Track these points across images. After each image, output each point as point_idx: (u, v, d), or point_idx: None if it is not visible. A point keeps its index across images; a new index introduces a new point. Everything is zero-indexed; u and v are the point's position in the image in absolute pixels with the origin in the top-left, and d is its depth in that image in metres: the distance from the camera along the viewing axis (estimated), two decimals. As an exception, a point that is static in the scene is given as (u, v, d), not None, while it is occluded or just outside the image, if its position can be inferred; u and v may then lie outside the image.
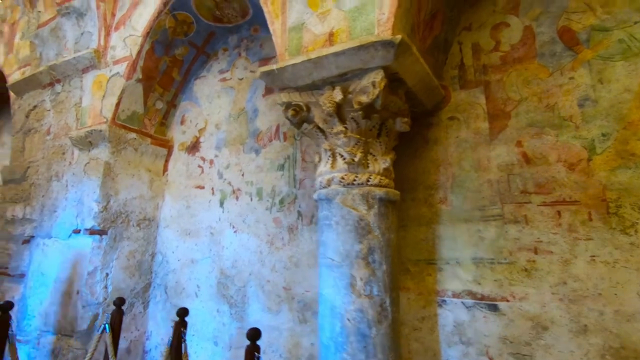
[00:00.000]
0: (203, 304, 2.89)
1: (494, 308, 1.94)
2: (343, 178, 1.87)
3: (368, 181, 1.86)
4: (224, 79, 3.27)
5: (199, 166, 3.22)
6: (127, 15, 3.08)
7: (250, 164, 2.95)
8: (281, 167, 2.79)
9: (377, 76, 1.75)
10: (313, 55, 1.85)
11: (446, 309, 2.06)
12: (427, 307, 2.10)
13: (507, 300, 1.91)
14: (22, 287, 3.13)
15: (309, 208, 2.60)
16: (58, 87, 3.42)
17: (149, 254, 3.19)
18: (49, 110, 3.46)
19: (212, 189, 3.09)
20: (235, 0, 2.93)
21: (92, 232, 2.81)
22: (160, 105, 3.31)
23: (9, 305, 2.28)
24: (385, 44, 1.66)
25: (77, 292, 2.74)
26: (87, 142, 2.98)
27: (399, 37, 1.64)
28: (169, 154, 3.42)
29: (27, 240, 3.23)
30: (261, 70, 2.06)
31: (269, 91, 3.00)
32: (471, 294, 2.01)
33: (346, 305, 1.76)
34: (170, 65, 3.22)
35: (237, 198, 2.95)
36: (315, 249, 2.51)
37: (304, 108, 2.02)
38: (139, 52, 2.95)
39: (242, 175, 2.97)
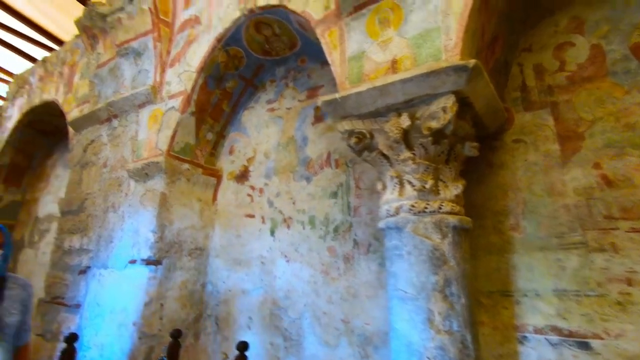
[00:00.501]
0: (256, 337, 2.82)
1: (585, 346, 1.77)
2: (413, 206, 1.80)
3: (440, 208, 1.79)
4: (272, 109, 3.34)
5: (249, 195, 3.24)
6: (181, 52, 3.25)
7: (301, 192, 2.94)
8: (334, 195, 2.76)
9: (448, 101, 1.71)
10: (378, 83, 1.85)
11: (528, 347, 1.89)
12: (506, 344, 1.95)
13: (601, 338, 1.74)
14: (78, 318, 3.17)
15: (365, 236, 2.54)
16: (115, 122, 3.60)
17: (199, 284, 3.18)
18: (106, 144, 3.63)
19: (263, 217, 3.09)
20: (284, 34, 3.02)
21: (148, 262, 2.84)
22: (210, 136, 3.40)
23: (74, 337, 2.30)
24: (458, 69, 1.64)
25: (134, 324, 2.74)
26: (143, 173, 3.08)
27: (472, 61, 1.61)
28: (218, 184, 3.48)
29: (84, 271, 3.31)
30: (323, 99, 2.07)
31: (318, 119, 3.03)
32: (556, 330, 1.85)
33: (425, 342, 1.65)
34: (220, 98, 3.33)
35: (288, 226, 2.93)
36: (374, 280, 2.43)
37: (367, 135, 2.00)
38: (193, 87, 3.07)
39: (293, 203, 2.95)
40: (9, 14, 6.93)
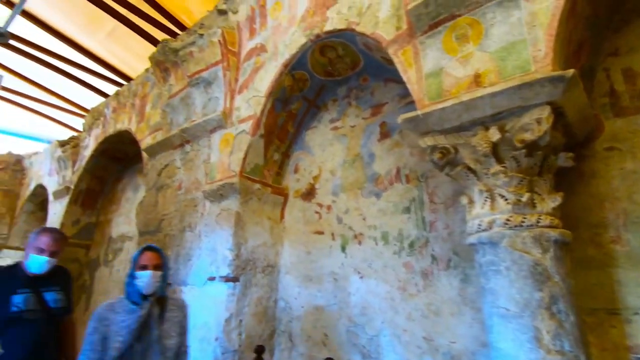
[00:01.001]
0: (332, 354, 2.82)
1: None
2: (509, 220, 1.77)
3: (538, 222, 1.74)
4: (335, 128, 3.43)
5: (316, 212, 3.32)
6: (249, 79, 3.45)
7: (371, 208, 2.96)
8: (407, 210, 2.75)
9: (543, 112, 1.69)
10: (465, 98, 1.86)
11: (646, 369, 1.75)
12: (618, 366, 1.82)
13: None
14: (160, 332, 3.35)
15: (444, 252, 2.50)
16: (187, 147, 3.86)
17: (272, 300, 3.27)
18: (180, 167, 3.89)
19: (332, 234, 3.14)
20: (347, 55, 3.12)
21: (227, 279, 2.98)
22: (276, 156, 3.54)
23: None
24: (554, 79, 1.61)
25: (216, 339, 2.86)
26: (218, 194, 3.26)
27: (570, 71, 1.59)
28: (285, 202, 3.59)
29: (164, 287, 3.51)
30: (403, 117, 2.11)
31: (384, 136, 3.06)
32: (678, 352, 1.70)
33: (534, 362, 1.58)
34: (286, 120, 3.48)
35: (359, 243, 2.95)
36: (457, 296, 2.37)
37: (451, 150, 2.00)
38: (262, 110, 3.23)
39: (364, 219, 2.98)
40: (82, 54, 7.72)
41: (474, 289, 2.32)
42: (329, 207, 3.25)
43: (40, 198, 8.25)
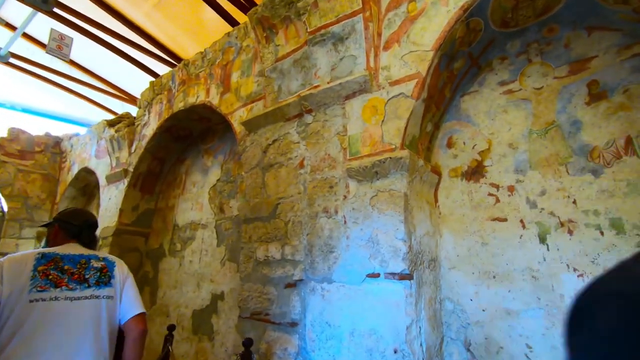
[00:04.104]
0: (542, 370, 2.25)
1: None
2: None
3: None
4: (509, 91, 2.79)
5: (491, 194, 2.70)
6: (400, 32, 2.79)
7: (585, 189, 2.34)
8: (653, 190, 2.13)
9: None
10: None
11: None
12: None
13: None
14: (296, 339, 2.80)
15: None
16: (308, 118, 3.24)
17: (438, 300, 2.69)
18: (297, 142, 3.27)
19: (522, 221, 2.53)
20: (546, -5, 2.46)
21: (401, 276, 2.38)
22: (429, 127, 2.92)
23: None
24: None
25: (395, 351, 2.29)
26: (371, 172, 2.65)
27: None
28: (438, 182, 2.98)
29: (293, 284, 2.95)
30: None
31: (597, 97, 2.42)
32: None
33: None
34: (445, 82, 2.84)
35: (569, 232, 2.35)
36: None
37: None
38: (429, 68, 2.59)
39: (574, 202, 2.37)
40: (126, 25, 7.04)
41: None
42: (510, 189, 2.63)
43: (82, 182, 7.71)
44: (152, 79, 6.44)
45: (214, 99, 4.44)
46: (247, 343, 2.62)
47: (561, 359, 2.16)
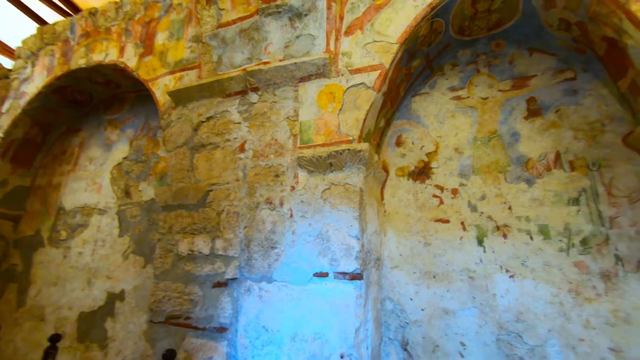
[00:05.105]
0: (474, 367, 2.35)
1: None
2: None
3: None
4: (458, 97, 2.88)
5: (435, 196, 2.75)
6: (363, 19, 2.65)
7: (520, 196, 2.53)
8: (575, 202, 2.39)
9: None
10: None
11: None
12: None
13: None
14: (224, 346, 2.44)
15: (632, 252, 2.21)
16: (253, 97, 2.88)
17: (379, 301, 2.63)
18: (239, 123, 2.88)
19: (462, 223, 2.63)
20: (502, 10, 2.59)
21: (352, 276, 2.24)
22: (382, 123, 2.84)
23: None
24: None
25: (342, 356, 2.13)
26: (326, 164, 2.45)
27: None
28: (386, 180, 2.93)
29: (224, 283, 2.57)
30: None
31: (533, 114, 2.64)
32: None
33: None
34: (403, 79, 2.79)
35: (504, 236, 2.51)
36: (654, 302, 2.10)
37: None
38: (392, 62, 2.50)
39: (509, 208, 2.53)
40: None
41: (676, 295, 2.08)
42: (454, 192, 2.71)
43: None
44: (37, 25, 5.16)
45: (130, 60, 3.70)
46: (169, 355, 2.17)
47: (492, 355, 2.28)
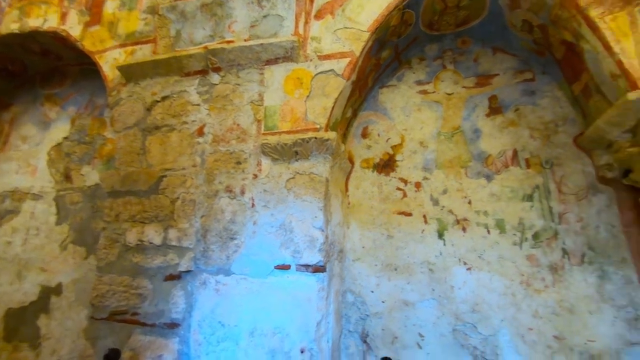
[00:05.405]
0: (431, 357, 2.40)
1: None
2: None
3: None
4: (424, 92, 2.89)
5: (399, 189, 2.75)
6: (334, 4, 2.56)
7: (479, 191, 2.60)
8: (529, 198, 2.50)
9: None
10: None
11: None
12: None
13: None
14: (176, 343, 2.28)
15: (577, 246, 2.35)
16: (214, 77, 2.68)
17: (340, 293, 2.59)
18: (197, 104, 2.68)
19: (425, 216, 2.66)
20: (471, 7, 2.62)
21: (315, 269, 2.17)
22: (349, 113, 2.79)
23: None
24: None
25: (302, 351, 2.06)
26: (291, 152, 2.35)
27: None
28: (350, 172, 2.88)
29: (177, 276, 2.39)
30: (631, 97, 1.80)
31: (494, 111, 2.72)
32: None
33: None
34: (372, 69, 2.75)
35: (464, 229, 2.57)
36: (594, 293, 2.28)
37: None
38: (362, 50, 2.44)
39: (469, 203, 2.60)
40: None
41: (613, 286, 2.25)
42: (417, 185, 2.73)
43: None
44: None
45: (74, 28, 3.31)
46: (112, 355, 1.97)
47: (448, 345, 2.33)
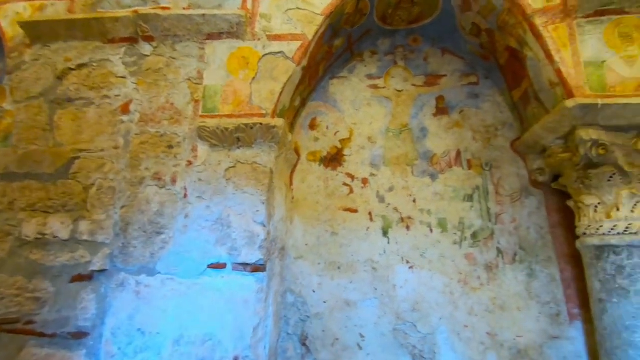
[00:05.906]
0: (371, 358, 2.34)
1: None
2: (663, 226, 1.86)
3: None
4: (374, 86, 2.83)
5: (346, 184, 2.65)
6: (287, -20, 2.37)
7: (424, 190, 2.60)
8: (469, 198, 2.56)
9: None
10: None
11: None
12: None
13: None
14: (82, 356, 1.92)
15: (510, 245, 2.46)
16: (145, 47, 2.33)
17: (280, 294, 2.41)
18: (123, 77, 2.31)
19: (370, 214, 2.59)
20: (424, 3, 2.60)
21: (254, 268, 1.97)
22: (297, 101, 2.61)
23: None
24: None
25: (236, 359, 1.85)
26: (233, 138, 2.11)
27: None
28: (296, 164, 2.71)
29: (87, 276, 2.02)
30: (579, 101, 1.89)
31: (441, 111, 2.74)
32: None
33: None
34: (324, 57, 2.60)
35: (407, 228, 2.55)
36: (523, 291, 2.39)
37: (610, 149, 1.94)
38: (315, 34, 2.29)
39: (414, 201, 2.59)
40: None
41: (539, 284, 2.38)
42: (364, 181, 2.65)
43: None
44: None
45: (-37, -29, 2.67)
46: None
47: (388, 345, 2.28)
